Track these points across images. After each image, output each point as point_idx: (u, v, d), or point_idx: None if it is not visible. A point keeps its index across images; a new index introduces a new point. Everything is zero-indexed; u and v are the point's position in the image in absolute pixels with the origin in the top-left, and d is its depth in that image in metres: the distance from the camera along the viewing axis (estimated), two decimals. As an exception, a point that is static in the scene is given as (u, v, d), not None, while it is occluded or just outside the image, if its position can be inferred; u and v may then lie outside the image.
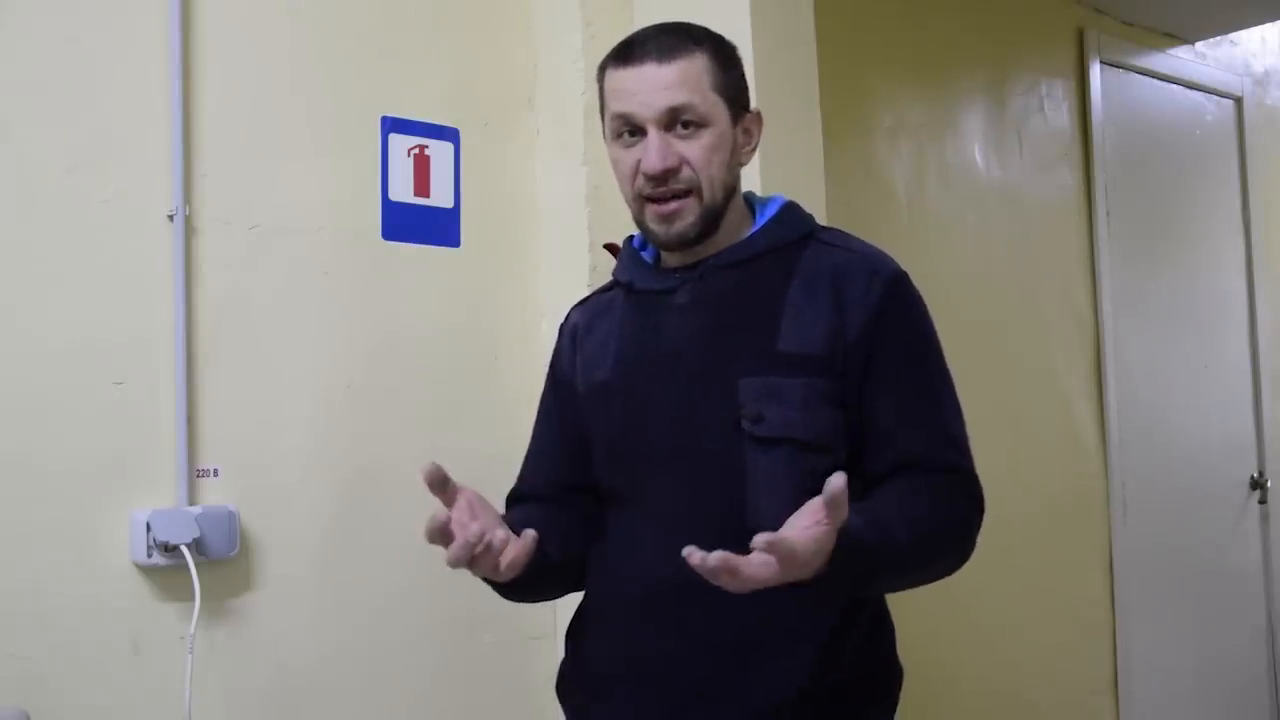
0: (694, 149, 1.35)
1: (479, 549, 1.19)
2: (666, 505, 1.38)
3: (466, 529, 1.20)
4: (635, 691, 1.38)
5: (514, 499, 1.56)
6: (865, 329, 1.35)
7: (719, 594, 1.32)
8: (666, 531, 1.35)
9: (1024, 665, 3.14)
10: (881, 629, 1.42)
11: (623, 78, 1.37)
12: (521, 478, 1.57)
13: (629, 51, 1.38)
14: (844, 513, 1.12)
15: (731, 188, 1.41)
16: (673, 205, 1.36)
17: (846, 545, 1.15)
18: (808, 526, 1.12)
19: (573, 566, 1.46)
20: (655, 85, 1.34)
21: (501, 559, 1.23)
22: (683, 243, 1.40)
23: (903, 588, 1.37)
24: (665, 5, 1.86)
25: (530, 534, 1.27)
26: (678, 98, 1.34)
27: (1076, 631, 3.34)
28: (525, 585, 1.35)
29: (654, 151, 1.34)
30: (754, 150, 1.45)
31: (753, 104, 1.46)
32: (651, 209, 1.38)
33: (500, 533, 1.23)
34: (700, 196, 1.37)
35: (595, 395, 1.47)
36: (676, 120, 1.35)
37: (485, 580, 1.32)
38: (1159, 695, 3.53)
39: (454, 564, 1.19)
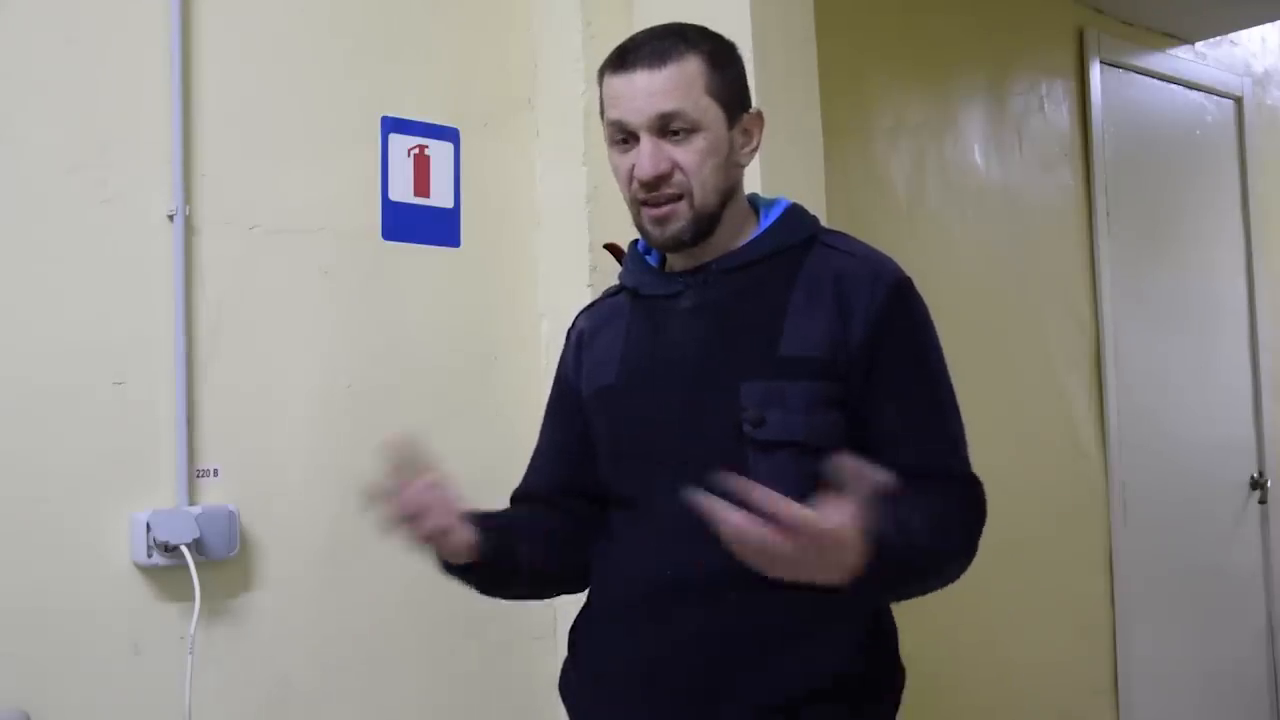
0: (686, 154, 1.36)
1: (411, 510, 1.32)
2: (669, 508, 1.37)
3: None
4: (637, 691, 1.38)
5: (515, 499, 1.59)
6: (870, 334, 1.35)
7: (721, 595, 1.33)
8: (669, 534, 1.36)
9: (1024, 665, 3.14)
10: (883, 629, 1.42)
11: (616, 84, 1.38)
12: (524, 478, 1.59)
13: (623, 58, 1.39)
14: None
15: (727, 190, 1.41)
16: (665, 209, 1.37)
17: (881, 549, 1.15)
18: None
19: (549, 572, 1.51)
20: (646, 92, 1.35)
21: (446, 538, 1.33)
22: (677, 245, 1.40)
23: (910, 596, 1.37)
24: (665, 5, 1.86)
25: (469, 535, 1.36)
26: (667, 104, 1.35)
27: (1076, 632, 3.34)
28: (484, 578, 1.43)
29: (645, 158, 1.35)
30: (754, 150, 1.45)
31: (753, 104, 1.46)
32: (646, 212, 1.39)
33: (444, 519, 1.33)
34: (692, 201, 1.37)
35: (600, 399, 1.48)
36: (668, 126, 1.35)
37: (445, 568, 1.43)
38: (1159, 696, 3.53)
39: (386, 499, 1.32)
